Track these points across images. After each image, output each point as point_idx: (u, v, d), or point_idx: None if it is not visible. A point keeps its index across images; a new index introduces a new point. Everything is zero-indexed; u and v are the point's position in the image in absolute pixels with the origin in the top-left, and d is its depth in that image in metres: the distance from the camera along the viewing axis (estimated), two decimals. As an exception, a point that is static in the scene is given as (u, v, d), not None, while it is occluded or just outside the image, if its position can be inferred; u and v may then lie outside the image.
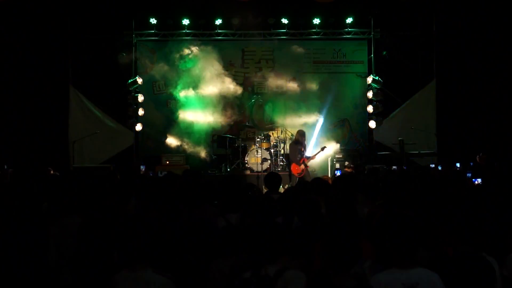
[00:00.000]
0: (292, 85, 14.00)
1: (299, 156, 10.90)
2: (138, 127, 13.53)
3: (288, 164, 11.66)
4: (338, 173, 10.40)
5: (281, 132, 13.25)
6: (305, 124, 13.67)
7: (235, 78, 13.98)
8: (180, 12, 13.36)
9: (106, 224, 3.57)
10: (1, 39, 11.90)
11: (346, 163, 11.65)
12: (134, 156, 13.65)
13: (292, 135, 12.92)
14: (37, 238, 4.19)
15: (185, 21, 13.53)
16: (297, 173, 10.74)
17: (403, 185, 5.55)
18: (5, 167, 10.13)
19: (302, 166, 10.82)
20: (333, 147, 13.45)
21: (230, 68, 14.02)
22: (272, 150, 12.53)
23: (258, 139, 12.62)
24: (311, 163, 12.39)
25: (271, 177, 6.23)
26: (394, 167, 10.31)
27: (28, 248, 4.14)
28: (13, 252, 4.14)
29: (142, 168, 11.81)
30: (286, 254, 3.15)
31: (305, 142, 11.37)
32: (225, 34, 13.70)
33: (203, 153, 13.47)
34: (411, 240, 2.88)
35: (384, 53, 13.51)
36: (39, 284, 3.95)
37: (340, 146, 13.61)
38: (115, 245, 3.56)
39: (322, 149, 11.45)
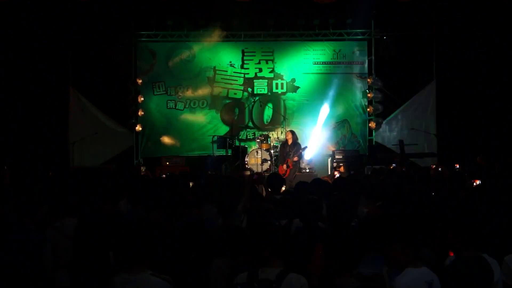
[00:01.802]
0: (292, 86, 14.01)
1: (283, 156, 11.02)
2: (138, 128, 13.53)
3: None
4: (337, 174, 10.38)
5: (281, 133, 13.22)
6: (305, 125, 13.69)
7: (235, 79, 14.00)
8: (180, 12, 13.35)
9: (102, 225, 3.56)
10: (1, 40, 11.89)
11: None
12: (134, 157, 13.65)
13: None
14: (34, 239, 4.18)
15: (185, 22, 13.53)
16: (281, 174, 10.79)
17: (403, 186, 5.55)
18: (5, 167, 10.11)
19: (285, 166, 10.84)
20: (333, 148, 13.47)
21: (230, 69, 14.02)
22: (272, 151, 12.50)
23: (258, 140, 12.60)
24: (313, 164, 12.44)
25: (274, 177, 6.24)
26: (393, 164, 10.32)
27: (25, 250, 4.13)
28: (10, 253, 4.13)
29: (143, 169, 11.80)
30: (285, 256, 3.13)
31: (297, 141, 11.34)
32: (225, 35, 13.68)
33: (203, 154, 13.47)
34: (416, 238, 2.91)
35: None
36: (36, 286, 3.93)
37: (340, 147, 13.63)
38: (112, 247, 3.55)
39: (303, 149, 11.35)
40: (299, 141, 11.79)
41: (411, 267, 2.84)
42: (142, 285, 2.87)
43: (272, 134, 13.33)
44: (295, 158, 11.06)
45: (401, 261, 2.86)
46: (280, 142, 12.57)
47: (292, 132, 11.48)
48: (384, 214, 4.39)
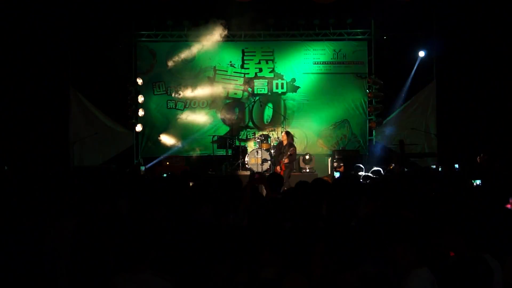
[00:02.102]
0: (292, 86, 14.01)
1: (278, 158, 11.01)
2: (138, 127, 13.53)
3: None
4: (337, 174, 10.38)
5: (281, 132, 13.20)
6: (305, 125, 13.70)
7: (235, 79, 14.00)
8: (180, 12, 13.35)
9: (102, 225, 3.56)
10: (1, 40, 11.89)
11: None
12: (134, 157, 13.66)
13: (292, 136, 12.88)
14: (34, 239, 4.18)
15: (185, 22, 13.53)
16: None
17: (403, 186, 5.55)
18: (5, 167, 10.12)
19: (278, 168, 10.80)
20: (333, 148, 13.47)
21: (230, 68, 14.03)
22: (272, 151, 12.49)
23: (258, 140, 12.59)
24: (313, 164, 12.45)
25: (274, 177, 6.23)
26: (393, 164, 10.34)
27: (25, 250, 4.13)
28: (10, 253, 4.13)
29: (142, 169, 11.81)
30: (285, 255, 3.13)
31: (292, 143, 11.08)
32: (225, 35, 13.67)
33: (203, 154, 13.48)
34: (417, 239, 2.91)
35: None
36: (36, 286, 3.93)
37: (340, 147, 13.63)
38: (111, 247, 3.54)
39: (292, 150, 11.19)
40: (298, 141, 11.74)
41: (416, 268, 2.82)
42: (143, 285, 2.87)
43: (272, 134, 13.31)
44: (286, 160, 10.93)
45: (404, 262, 2.85)
46: (279, 142, 12.57)
47: (287, 133, 11.32)
48: (384, 214, 4.38)
